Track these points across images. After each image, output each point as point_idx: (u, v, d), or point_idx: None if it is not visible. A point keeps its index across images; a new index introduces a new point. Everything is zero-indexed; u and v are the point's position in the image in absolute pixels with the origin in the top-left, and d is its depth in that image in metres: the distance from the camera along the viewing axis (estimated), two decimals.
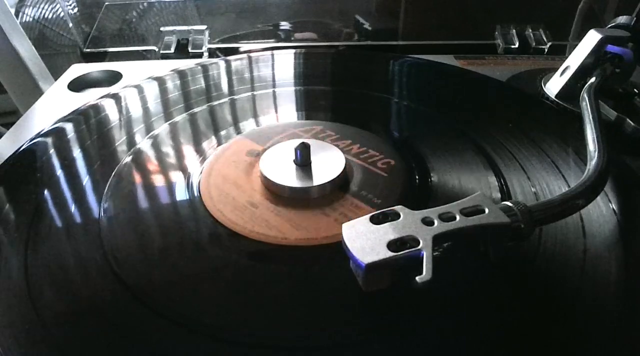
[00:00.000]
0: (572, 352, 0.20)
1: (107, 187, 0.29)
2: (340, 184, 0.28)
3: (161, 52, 0.53)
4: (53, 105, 0.41)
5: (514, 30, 0.53)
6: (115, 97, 0.39)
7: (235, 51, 0.55)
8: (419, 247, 0.19)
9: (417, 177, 0.29)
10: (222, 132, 0.34)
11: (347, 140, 0.32)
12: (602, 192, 0.25)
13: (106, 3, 0.58)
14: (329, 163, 0.29)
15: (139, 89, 0.40)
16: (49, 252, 0.24)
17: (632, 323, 0.20)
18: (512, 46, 0.52)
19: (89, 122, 0.36)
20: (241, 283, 0.23)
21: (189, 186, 0.29)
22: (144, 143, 0.33)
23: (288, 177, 0.28)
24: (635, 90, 0.37)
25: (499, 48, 0.52)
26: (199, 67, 0.44)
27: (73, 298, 0.22)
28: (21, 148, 0.33)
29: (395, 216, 0.21)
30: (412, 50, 0.49)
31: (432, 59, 0.46)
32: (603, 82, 0.35)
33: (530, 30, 0.53)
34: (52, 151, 0.32)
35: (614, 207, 0.26)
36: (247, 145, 0.32)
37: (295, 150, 0.28)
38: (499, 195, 0.27)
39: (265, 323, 0.21)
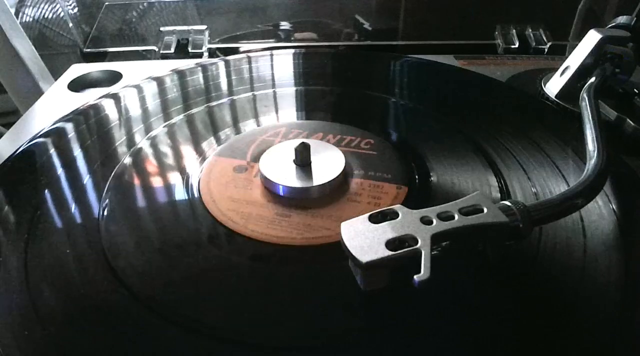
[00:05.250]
0: (572, 352, 0.20)
1: (106, 187, 0.29)
2: (340, 184, 0.28)
3: (161, 52, 0.53)
4: (53, 105, 0.41)
5: (514, 30, 0.53)
6: (115, 97, 0.39)
7: (235, 51, 0.55)
8: (418, 246, 0.19)
9: (417, 177, 0.29)
10: (222, 132, 0.34)
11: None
12: (602, 192, 0.25)
13: (106, 3, 0.58)
14: (329, 163, 0.29)
15: (139, 89, 0.40)
16: (49, 251, 0.24)
17: (632, 323, 0.20)
18: (512, 46, 0.52)
19: (88, 122, 0.36)
20: (241, 283, 0.23)
21: (188, 186, 0.29)
22: (143, 143, 0.33)
23: (288, 177, 0.28)
24: (635, 90, 0.37)
25: (499, 48, 0.52)
26: (199, 67, 0.44)
27: (73, 298, 0.22)
28: (21, 148, 0.33)
29: (394, 215, 0.21)
30: (412, 50, 0.49)
31: (432, 59, 0.46)
32: (603, 82, 0.35)
33: (530, 30, 0.53)
34: (52, 151, 0.32)
35: (614, 207, 0.26)
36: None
37: (295, 150, 0.28)
38: (498, 195, 0.27)
39: (265, 323, 0.21)
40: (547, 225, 0.24)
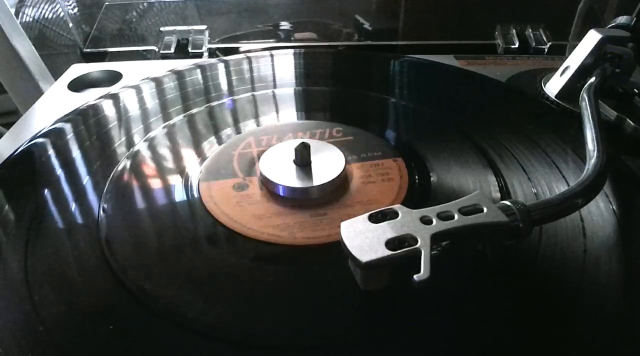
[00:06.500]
0: (572, 352, 0.20)
1: (106, 187, 0.29)
2: (340, 184, 0.28)
3: (161, 52, 0.53)
4: (53, 105, 0.41)
5: (514, 30, 0.53)
6: (115, 97, 0.39)
7: (235, 51, 0.55)
8: (417, 246, 0.19)
9: (417, 177, 0.29)
10: (221, 132, 0.34)
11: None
12: (602, 192, 0.25)
13: (106, 3, 0.58)
14: (329, 163, 0.29)
15: (139, 89, 0.40)
16: (49, 252, 0.24)
17: (632, 323, 0.20)
18: (512, 46, 0.52)
19: (88, 122, 0.36)
20: (241, 283, 0.23)
21: (188, 186, 0.29)
22: (143, 144, 0.33)
23: (288, 176, 0.28)
24: (635, 90, 0.37)
25: (499, 48, 0.52)
26: (198, 68, 0.44)
27: (73, 298, 0.22)
28: (21, 148, 0.33)
29: (394, 215, 0.21)
30: (412, 50, 0.49)
31: (432, 59, 0.46)
32: (603, 82, 0.35)
33: (530, 30, 0.53)
34: (51, 151, 0.32)
35: (614, 207, 0.26)
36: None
37: (295, 150, 0.28)
38: (498, 195, 0.27)
39: (265, 323, 0.21)
40: (547, 225, 0.24)
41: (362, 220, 0.21)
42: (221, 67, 0.44)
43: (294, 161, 0.29)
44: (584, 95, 0.33)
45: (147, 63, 0.49)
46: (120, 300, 0.22)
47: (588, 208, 0.25)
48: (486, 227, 0.21)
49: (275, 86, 0.41)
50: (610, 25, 0.39)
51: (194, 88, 0.40)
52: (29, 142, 0.33)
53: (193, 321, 0.21)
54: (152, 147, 0.33)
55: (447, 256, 0.21)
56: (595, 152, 0.26)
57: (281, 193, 0.27)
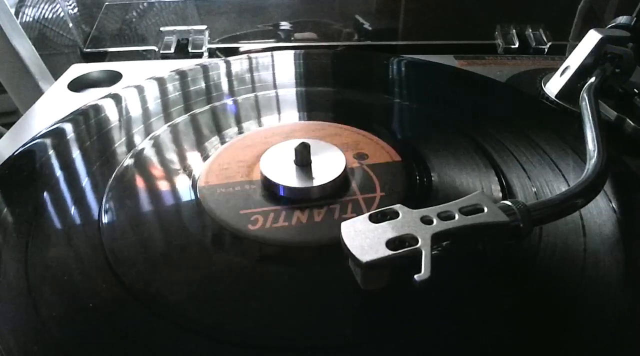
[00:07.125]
0: (572, 352, 0.20)
1: (107, 188, 0.29)
2: (341, 184, 0.28)
3: (161, 52, 0.53)
4: (53, 105, 0.41)
5: (514, 30, 0.53)
6: (116, 97, 0.39)
7: (235, 51, 0.55)
8: (418, 246, 0.19)
9: (417, 177, 0.29)
10: (222, 132, 0.34)
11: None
12: (602, 192, 0.25)
13: (106, 3, 0.58)
14: (329, 163, 0.29)
15: (139, 89, 0.40)
16: (49, 252, 0.24)
17: (632, 323, 0.20)
18: (512, 46, 0.52)
19: (89, 122, 0.36)
20: (241, 284, 0.23)
21: (189, 187, 0.29)
22: (144, 144, 0.33)
23: (288, 177, 0.28)
24: (635, 90, 0.37)
25: (499, 48, 0.52)
26: (199, 68, 0.44)
27: (73, 298, 0.22)
28: (21, 148, 0.33)
29: (394, 215, 0.21)
30: (412, 50, 0.49)
31: (432, 59, 0.46)
32: (603, 82, 0.35)
33: (530, 30, 0.53)
34: (52, 151, 0.32)
35: (614, 207, 0.26)
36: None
37: (295, 150, 0.28)
38: (499, 195, 0.27)
39: (265, 324, 0.21)
40: (547, 224, 0.24)
41: (362, 220, 0.21)
42: (222, 67, 0.44)
43: (294, 161, 0.29)
44: (584, 95, 0.33)
45: (147, 63, 0.49)
46: (120, 300, 0.22)
47: (588, 208, 0.25)
48: (486, 226, 0.21)
49: (275, 86, 0.41)
50: (610, 25, 0.39)
51: (195, 88, 0.40)
52: (29, 142, 0.33)
53: (194, 321, 0.21)
54: (153, 147, 0.33)
55: (447, 256, 0.21)
56: (596, 152, 0.26)
57: (281, 193, 0.27)
